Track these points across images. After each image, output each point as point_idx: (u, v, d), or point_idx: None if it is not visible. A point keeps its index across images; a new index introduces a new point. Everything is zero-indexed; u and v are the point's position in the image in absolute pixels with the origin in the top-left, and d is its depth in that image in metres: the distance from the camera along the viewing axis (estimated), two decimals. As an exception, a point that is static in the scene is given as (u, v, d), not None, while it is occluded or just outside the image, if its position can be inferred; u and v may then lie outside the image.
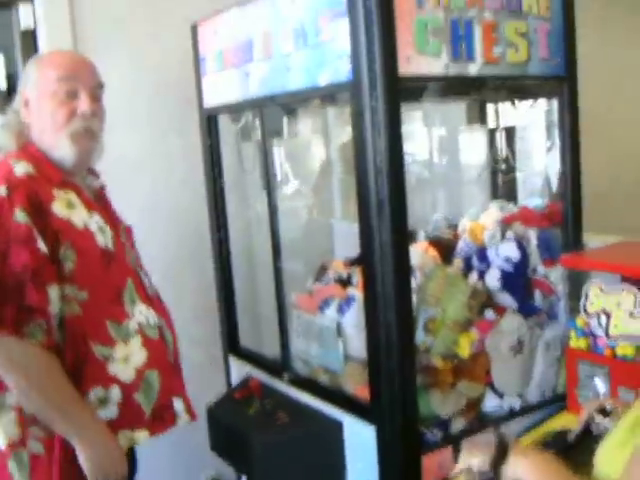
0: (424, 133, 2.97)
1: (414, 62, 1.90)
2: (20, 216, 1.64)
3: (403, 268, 1.90)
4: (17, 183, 1.68)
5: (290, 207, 2.71)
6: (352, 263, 2.42)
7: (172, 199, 2.78)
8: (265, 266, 2.45)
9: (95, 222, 1.79)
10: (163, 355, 1.84)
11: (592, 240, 2.28)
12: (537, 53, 2.16)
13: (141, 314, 1.81)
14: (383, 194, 1.88)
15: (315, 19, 1.99)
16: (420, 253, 2.27)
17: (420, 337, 2.05)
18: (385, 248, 1.88)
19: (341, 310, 2.14)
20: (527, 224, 2.31)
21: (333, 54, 1.94)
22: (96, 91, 1.85)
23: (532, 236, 2.27)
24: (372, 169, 1.88)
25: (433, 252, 2.35)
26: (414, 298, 2.02)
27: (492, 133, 2.87)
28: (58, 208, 1.71)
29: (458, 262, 2.27)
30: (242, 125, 2.51)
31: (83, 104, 1.78)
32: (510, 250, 2.19)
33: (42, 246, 1.64)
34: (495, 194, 2.90)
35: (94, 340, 1.71)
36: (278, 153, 2.48)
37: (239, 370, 2.61)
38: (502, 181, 2.88)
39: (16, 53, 2.65)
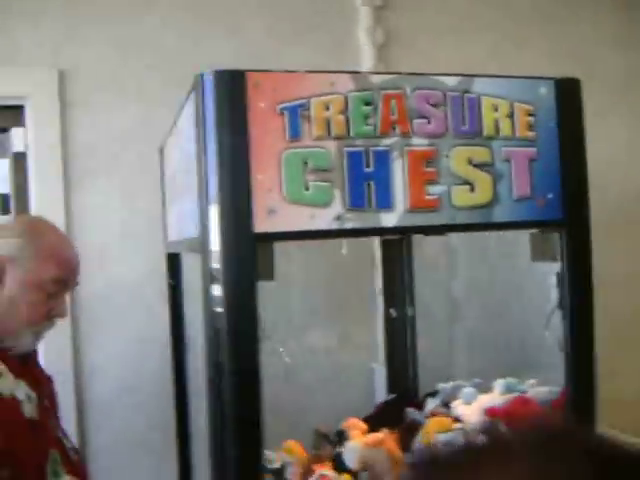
0: (464, 269, 2.34)
1: (282, 215, 1.37)
2: None
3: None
4: None
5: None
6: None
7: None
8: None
9: (22, 390, 1.52)
10: None
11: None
12: (510, 190, 1.51)
13: None
14: (225, 396, 1.36)
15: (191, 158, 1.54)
16: (359, 449, 1.67)
17: None
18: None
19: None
20: (512, 427, 1.60)
21: (195, 201, 1.48)
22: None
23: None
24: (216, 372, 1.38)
25: (391, 446, 1.73)
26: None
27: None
28: None
29: (404, 476, 1.62)
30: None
31: (63, 309, 1.59)
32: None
33: None
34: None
35: None
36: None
37: None
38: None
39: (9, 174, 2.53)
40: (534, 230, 1.68)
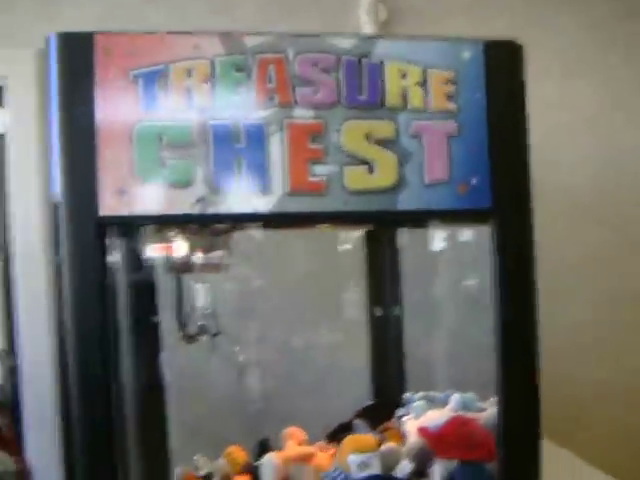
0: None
1: (134, 197, 1.19)
2: None
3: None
4: None
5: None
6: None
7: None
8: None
9: None
10: None
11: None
12: (420, 172, 1.26)
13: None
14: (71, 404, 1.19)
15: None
16: (276, 464, 1.47)
17: None
18: None
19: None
20: (441, 451, 1.35)
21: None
22: None
23: (435, 474, 1.32)
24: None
25: (323, 462, 1.51)
26: None
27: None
28: None
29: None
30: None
31: None
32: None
33: None
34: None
35: None
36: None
37: None
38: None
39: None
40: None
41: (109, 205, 1.18)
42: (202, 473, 1.58)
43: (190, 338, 1.69)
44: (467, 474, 1.31)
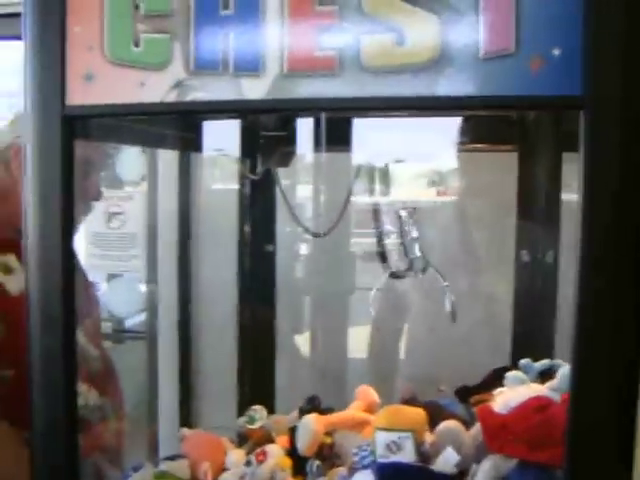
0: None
1: (103, 83, 0.98)
2: None
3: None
4: None
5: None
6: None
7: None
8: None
9: None
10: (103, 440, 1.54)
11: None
12: (474, 41, 0.88)
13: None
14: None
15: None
16: (314, 429, 1.19)
17: None
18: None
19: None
20: (496, 445, 0.97)
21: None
22: None
23: (483, 470, 0.95)
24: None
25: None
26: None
27: None
28: None
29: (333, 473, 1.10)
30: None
31: None
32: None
33: None
34: None
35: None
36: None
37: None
38: None
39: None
40: None
41: (77, 94, 0.97)
42: (255, 426, 1.35)
43: (396, 274, 1.47)
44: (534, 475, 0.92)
